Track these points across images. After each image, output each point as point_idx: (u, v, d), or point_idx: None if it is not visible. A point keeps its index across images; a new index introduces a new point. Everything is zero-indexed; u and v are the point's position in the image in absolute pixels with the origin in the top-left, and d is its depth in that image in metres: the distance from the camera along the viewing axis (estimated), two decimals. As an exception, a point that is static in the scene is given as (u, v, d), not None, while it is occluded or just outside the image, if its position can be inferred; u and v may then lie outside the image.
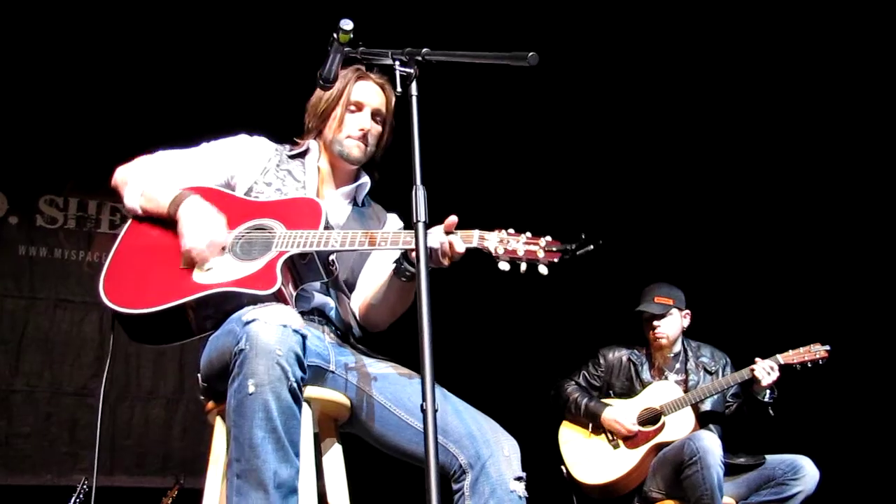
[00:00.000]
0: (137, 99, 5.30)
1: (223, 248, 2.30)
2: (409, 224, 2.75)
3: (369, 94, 2.63)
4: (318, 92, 2.64)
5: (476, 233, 2.23)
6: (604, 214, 5.84)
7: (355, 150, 2.60)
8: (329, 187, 2.66)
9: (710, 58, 5.40)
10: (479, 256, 2.23)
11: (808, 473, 3.95)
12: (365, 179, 2.70)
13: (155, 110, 5.21)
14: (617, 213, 5.89)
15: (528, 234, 2.21)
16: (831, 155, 5.50)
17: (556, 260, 2.18)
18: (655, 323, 4.33)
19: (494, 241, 2.20)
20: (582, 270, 5.81)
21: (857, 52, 5.16)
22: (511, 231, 2.22)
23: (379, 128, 2.65)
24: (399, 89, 2.07)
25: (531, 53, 2.00)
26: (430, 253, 2.19)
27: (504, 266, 2.19)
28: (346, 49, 2.31)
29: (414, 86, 2.06)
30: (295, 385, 1.97)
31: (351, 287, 2.59)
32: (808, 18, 5.07)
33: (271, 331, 1.96)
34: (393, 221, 2.76)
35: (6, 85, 5.24)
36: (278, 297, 2.19)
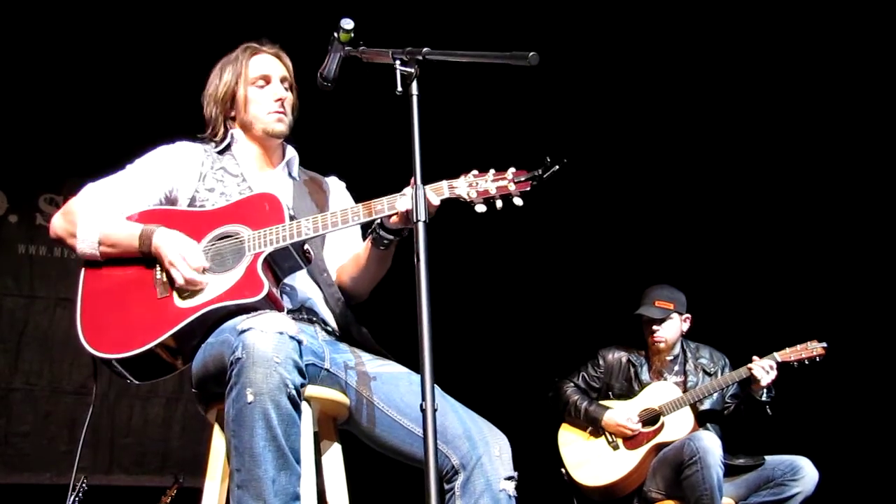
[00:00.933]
0: (137, 97, 5.30)
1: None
2: (349, 183, 2.74)
3: (270, 65, 2.58)
4: (212, 79, 2.62)
5: (444, 183, 2.23)
6: (603, 214, 5.85)
7: (279, 124, 2.54)
8: (265, 169, 2.60)
9: (710, 59, 5.40)
10: (456, 208, 2.24)
11: (807, 474, 3.95)
12: (293, 152, 2.65)
13: (155, 108, 5.20)
14: (616, 212, 5.89)
15: (493, 171, 2.23)
16: (827, 154, 5.50)
17: (527, 188, 2.20)
18: (655, 327, 4.32)
19: (464, 186, 2.21)
20: (582, 271, 5.83)
21: (857, 52, 5.16)
22: (475, 172, 2.24)
23: (291, 95, 2.60)
24: (400, 88, 2.06)
25: (532, 53, 2.00)
26: (407, 214, 2.17)
27: (481, 208, 2.21)
28: (346, 48, 2.31)
29: (414, 85, 2.06)
30: (294, 392, 1.96)
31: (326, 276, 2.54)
32: (809, 18, 5.07)
33: (268, 339, 1.94)
34: (335, 185, 2.72)
35: (5, 84, 5.24)
36: (269, 299, 2.18)
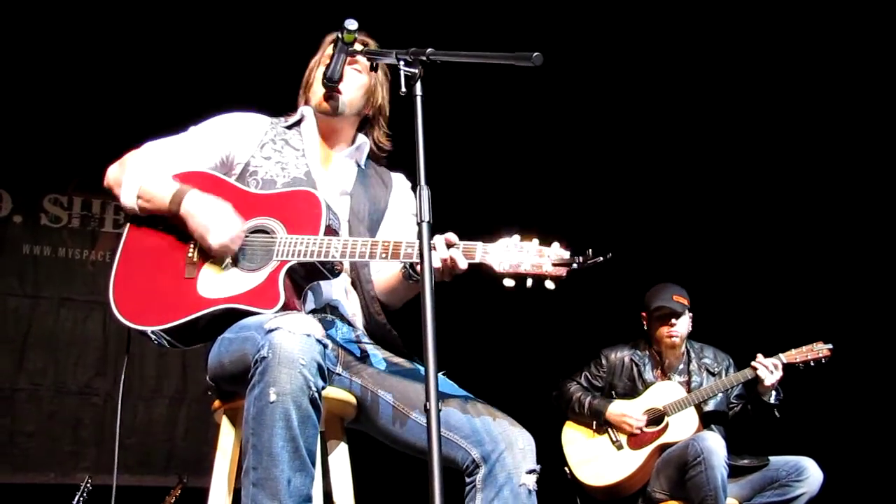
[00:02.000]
0: (141, 98, 5.30)
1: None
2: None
3: None
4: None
5: (479, 246, 2.15)
6: (607, 214, 5.84)
7: (327, 101, 2.53)
8: (330, 151, 2.61)
9: (713, 60, 5.39)
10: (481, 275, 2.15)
11: (811, 475, 3.95)
12: (363, 140, 2.64)
13: (159, 109, 5.20)
14: (620, 213, 5.89)
15: (536, 243, 2.12)
16: (832, 155, 5.49)
17: (563, 275, 2.08)
18: (673, 321, 4.32)
19: (499, 254, 2.12)
20: (585, 270, 5.83)
21: (857, 51, 5.15)
22: (517, 238, 2.13)
23: (361, 77, 2.57)
24: (403, 89, 2.06)
25: (536, 54, 1.99)
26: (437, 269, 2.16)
27: (509, 283, 2.11)
28: (350, 49, 2.31)
29: (418, 86, 2.06)
30: (316, 395, 1.96)
31: (368, 272, 2.54)
32: (812, 19, 5.06)
33: (295, 340, 1.95)
34: (399, 183, 2.71)
35: (10, 84, 5.25)
36: (286, 307, 2.18)
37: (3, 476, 5.21)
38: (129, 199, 2.37)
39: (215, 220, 2.25)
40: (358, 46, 2.38)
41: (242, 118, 2.57)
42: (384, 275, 2.54)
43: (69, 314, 5.52)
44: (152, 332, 2.23)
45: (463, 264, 2.14)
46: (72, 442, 5.37)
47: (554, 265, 2.09)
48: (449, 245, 2.17)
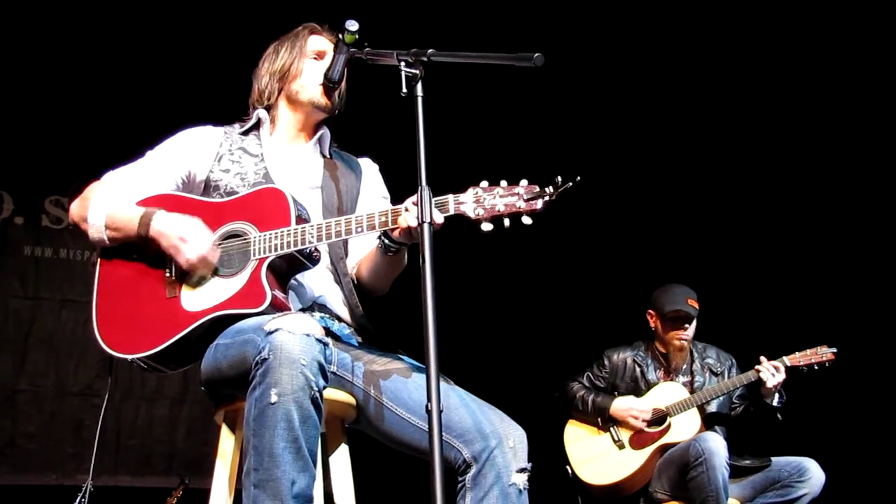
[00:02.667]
0: (142, 99, 5.31)
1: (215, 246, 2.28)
2: (393, 180, 2.73)
3: (327, 46, 2.60)
4: (271, 54, 2.63)
5: (451, 198, 2.14)
6: (611, 214, 5.84)
7: (325, 97, 2.55)
8: (294, 147, 2.61)
9: (720, 58, 5.39)
10: (460, 223, 2.14)
11: (813, 475, 3.94)
12: (324, 130, 2.65)
13: (160, 110, 5.20)
14: (624, 213, 5.88)
15: (504, 184, 2.12)
16: (838, 158, 5.48)
17: (537, 208, 2.09)
18: (686, 325, 4.31)
19: (471, 202, 2.12)
20: (589, 271, 5.83)
21: (868, 52, 5.14)
22: (485, 184, 2.13)
23: (341, 84, 2.59)
24: (405, 90, 2.06)
25: (537, 54, 1.99)
26: (410, 231, 2.17)
27: (487, 227, 2.11)
28: (351, 49, 2.31)
29: (419, 86, 2.06)
30: (317, 394, 1.96)
31: (345, 265, 2.55)
32: (822, 16, 5.05)
33: (295, 340, 1.95)
34: (368, 167, 2.73)
35: (11, 86, 5.25)
36: (273, 305, 2.18)
37: (5, 478, 5.20)
38: (96, 232, 2.38)
39: (188, 236, 2.26)
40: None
41: (195, 134, 2.57)
42: (363, 256, 2.55)
43: (70, 315, 5.51)
44: (148, 356, 2.24)
45: (439, 218, 2.10)
46: (73, 443, 5.36)
47: (526, 200, 2.09)
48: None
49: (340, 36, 2.31)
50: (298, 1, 4.82)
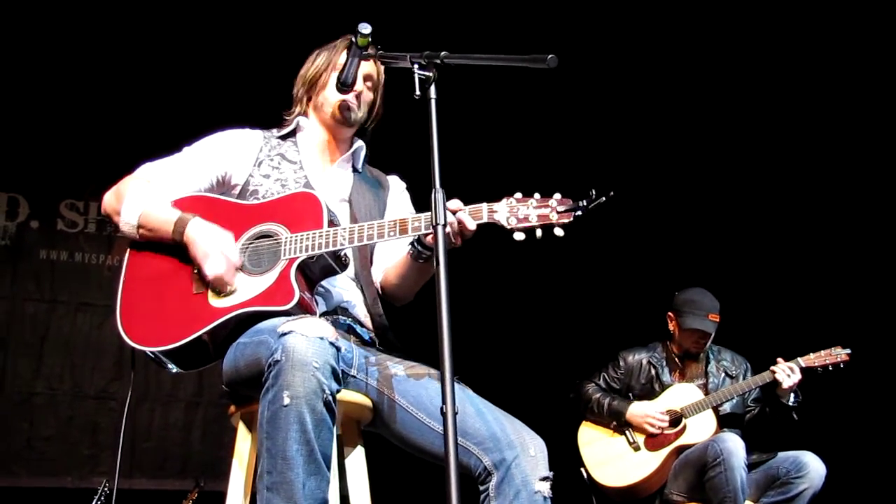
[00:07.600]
0: (158, 103, 5.33)
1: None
2: (410, 184, 2.75)
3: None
4: (308, 61, 2.65)
5: (484, 206, 2.18)
6: (628, 217, 5.81)
7: (346, 111, 2.56)
8: (327, 159, 2.63)
9: (733, 60, 5.37)
10: (494, 232, 2.18)
11: (812, 469, 3.90)
12: (360, 144, 2.66)
13: (176, 115, 5.23)
14: (640, 216, 5.86)
15: (538, 197, 2.16)
16: (854, 160, 5.45)
17: (569, 220, 2.13)
18: (704, 340, 4.29)
19: (504, 211, 2.16)
20: (606, 273, 5.81)
21: (882, 52, 5.11)
22: (519, 196, 2.17)
23: (370, 94, 2.63)
24: (418, 92, 2.06)
25: (550, 56, 1.98)
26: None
27: (519, 236, 2.15)
28: (364, 52, 2.31)
29: (433, 89, 2.05)
30: (330, 398, 1.95)
31: (369, 275, 2.55)
32: (830, 16, 5.03)
33: (307, 343, 1.94)
34: (395, 184, 2.74)
35: (27, 91, 5.28)
36: (300, 306, 2.18)
37: (21, 480, 5.24)
38: (128, 228, 2.39)
39: (214, 250, 2.25)
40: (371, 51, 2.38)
41: (236, 137, 2.58)
42: (392, 262, 2.55)
43: (86, 319, 5.55)
44: (171, 349, 2.22)
45: (472, 225, 2.16)
46: (89, 446, 5.39)
47: (559, 213, 2.14)
48: (454, 211, 2.18)
49: (353, 39, 2.31)
50: (313, 5, 4.87)
